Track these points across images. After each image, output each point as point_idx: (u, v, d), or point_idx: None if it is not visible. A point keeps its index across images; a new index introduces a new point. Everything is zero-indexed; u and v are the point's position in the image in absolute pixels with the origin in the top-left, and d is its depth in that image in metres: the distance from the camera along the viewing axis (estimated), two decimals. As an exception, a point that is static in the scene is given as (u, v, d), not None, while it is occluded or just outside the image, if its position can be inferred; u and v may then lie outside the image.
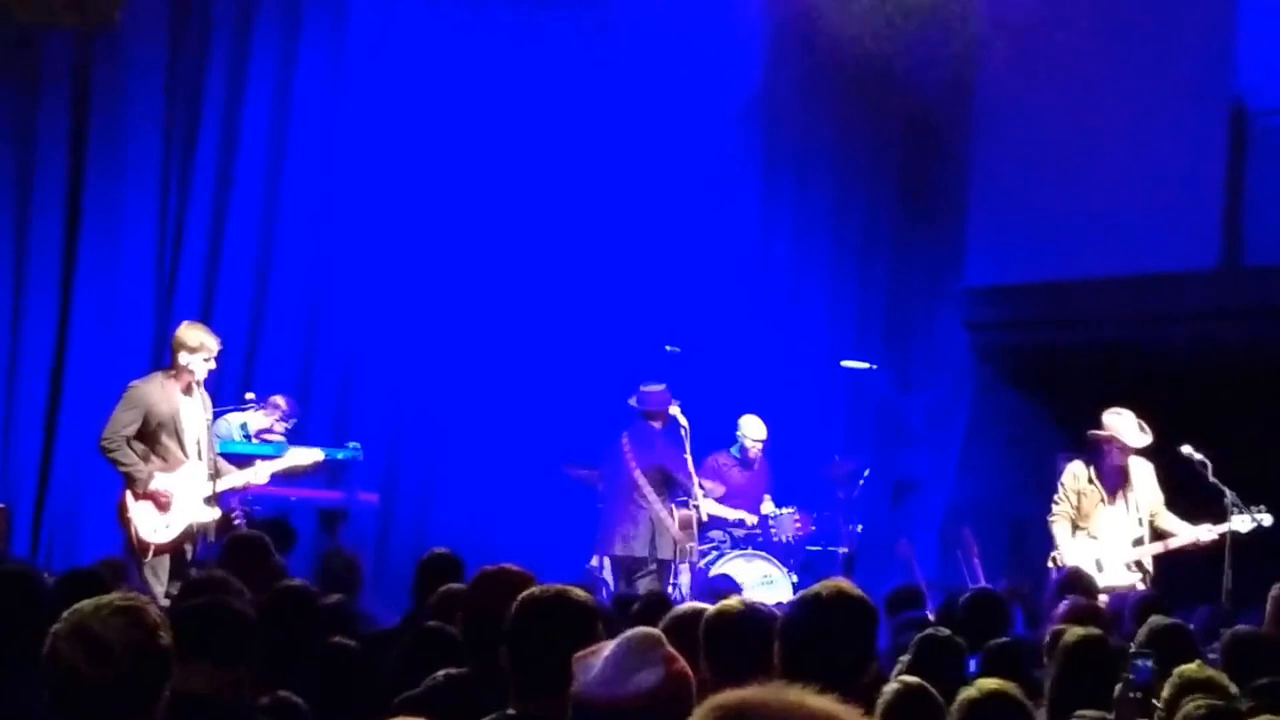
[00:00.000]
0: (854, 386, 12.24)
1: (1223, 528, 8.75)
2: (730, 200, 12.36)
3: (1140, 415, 9.12)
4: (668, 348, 10.89)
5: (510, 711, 3.29)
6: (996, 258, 12.38)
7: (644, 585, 9.57)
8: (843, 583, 3.74)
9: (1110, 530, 9.07)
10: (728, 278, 12.21)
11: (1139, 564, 9.03)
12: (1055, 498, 9.25)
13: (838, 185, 12.89)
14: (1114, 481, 9.13)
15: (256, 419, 9.77)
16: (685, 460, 10.14)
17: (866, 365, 11.81)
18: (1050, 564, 9.10)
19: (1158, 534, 9.09)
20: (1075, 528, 9.14)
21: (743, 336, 12.14)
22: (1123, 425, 9.06)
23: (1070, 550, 9.04)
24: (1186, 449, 8.80)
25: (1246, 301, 10.90)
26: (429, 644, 4.60)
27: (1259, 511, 8.78)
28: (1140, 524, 9.07)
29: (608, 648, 2.80)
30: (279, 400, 10.02)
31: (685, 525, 10.15)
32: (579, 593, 3.48)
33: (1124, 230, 11.29)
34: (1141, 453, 9.13)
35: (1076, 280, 11.76)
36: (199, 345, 8.09)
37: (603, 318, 11.73)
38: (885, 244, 13.04)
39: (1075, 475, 9.20)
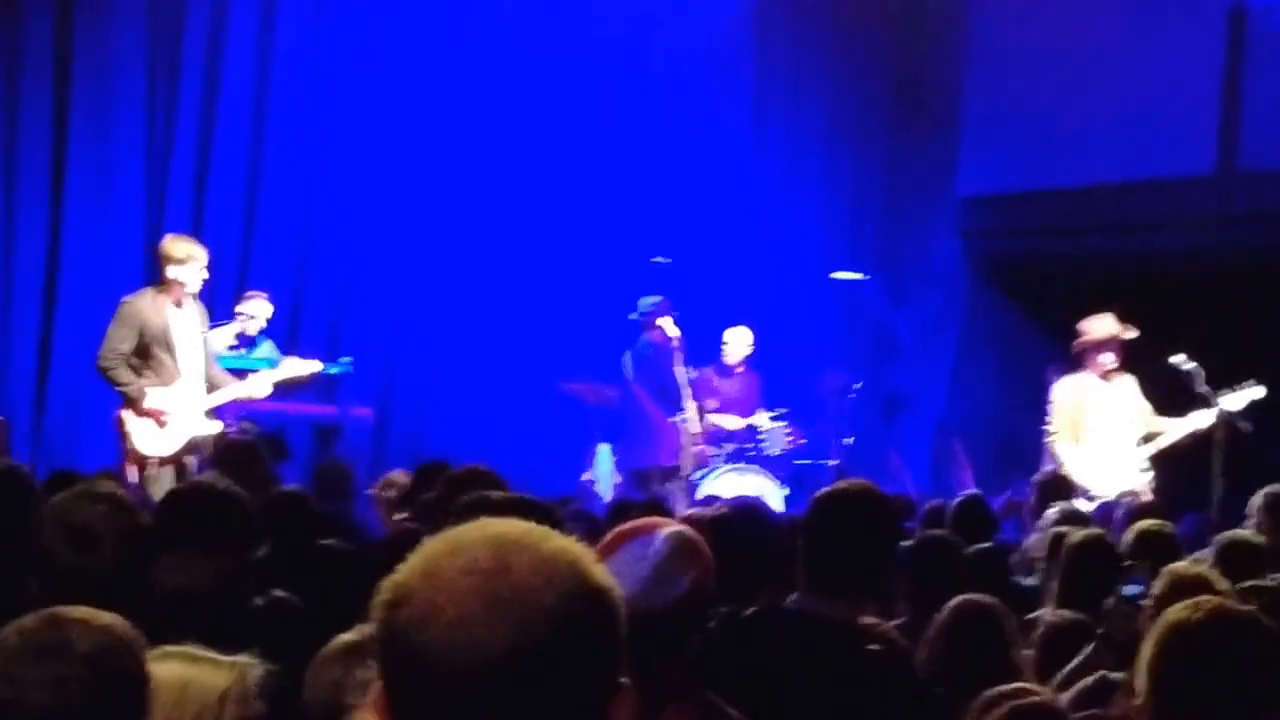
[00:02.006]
0: (846, 298, 12.22)
1: (1216, 409, 8.69)
2: (723, 110, 12.28)
3: (1135, 323, 9.05)
4: (656, 259, 10.88)
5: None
6: (991, 166, 12.28)
7: (659, 490, 9.63)
8: (866, 481, 3.75)
9: (1113, 437, 8.97)
10: (719, 188, 12.14)
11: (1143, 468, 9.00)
12: (1050, 416, 9.14)
13: (831, 94, 12.80)
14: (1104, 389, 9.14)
15: (230, 332, 9.59)
16: (674, 373, 10.18)
17: (859, 276, 11.79)
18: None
19: (1150, 439, 9.08)
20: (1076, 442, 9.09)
21: (734, 248, 12.10)
22: (1105, 324, 9.02)
23: (1078, 465, 8.83)
24: (1176, 358, 8.79)
25: (1242, 206, 10.80)
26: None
27: (1247, 385, 8.75)
28: (1137, 428, 9.06)
29: (647, 550, 2.67)
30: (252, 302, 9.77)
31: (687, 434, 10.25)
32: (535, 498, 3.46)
33: (1119, 136, 11.17)
34: (1125, 368, 9.10)
35: (1071, 188, 11.70)
36: (186, 256, 8.08)
37: (596, 231, 11.69)
38: (879, 153, 12.98)
39: (1069, 389, 9.13)
